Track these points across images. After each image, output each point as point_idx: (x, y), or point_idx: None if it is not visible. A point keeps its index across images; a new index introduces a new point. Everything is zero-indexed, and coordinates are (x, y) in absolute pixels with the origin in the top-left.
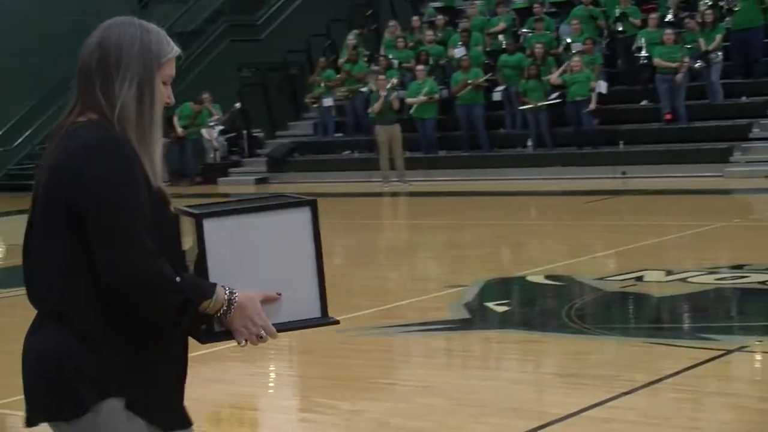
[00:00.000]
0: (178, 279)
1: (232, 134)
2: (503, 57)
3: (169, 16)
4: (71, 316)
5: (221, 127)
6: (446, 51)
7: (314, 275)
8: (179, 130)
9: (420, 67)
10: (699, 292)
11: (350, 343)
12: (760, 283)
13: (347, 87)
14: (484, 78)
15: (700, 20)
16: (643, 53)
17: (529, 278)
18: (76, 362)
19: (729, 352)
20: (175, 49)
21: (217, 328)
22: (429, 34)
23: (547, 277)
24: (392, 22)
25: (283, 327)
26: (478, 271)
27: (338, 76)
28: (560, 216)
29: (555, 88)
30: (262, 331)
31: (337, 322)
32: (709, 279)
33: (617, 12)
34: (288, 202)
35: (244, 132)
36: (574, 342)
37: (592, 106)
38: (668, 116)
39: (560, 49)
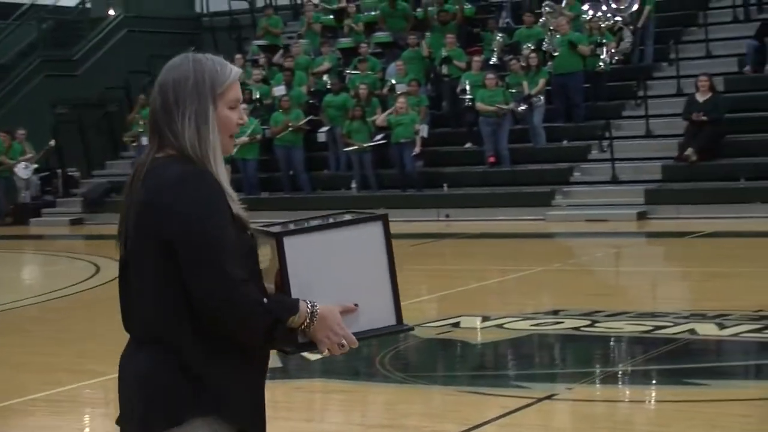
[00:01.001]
0: (265, 300)
1: (46, 173)
2: (328, 97)
3: None
4: (166, 340)
5: (34, 166)
6: (270, 90)
7: (388, 285)
8: None
9: (243, 106)
10: (514, 339)
11: None
12: (574, 329)
13: None
14: (304, 120)
15: (524, 64)
16: (467, 96)
17: None
18: (171, 382)
19: (539, 400)
20: (234, 72)
21: (301, 340)
22: (256, 73)
23: None
24: None
25: (362, 335)
26: None
27: None
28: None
29: (379, 129)
30: (344, 340)
31: (411, 329)
32: (525, 325)
33: (443, 54)
34: (361, 217)
35: (59, 171)
36: (385, 391)
37: (417, 149)
38: (491, 159)
39: (385, 90)
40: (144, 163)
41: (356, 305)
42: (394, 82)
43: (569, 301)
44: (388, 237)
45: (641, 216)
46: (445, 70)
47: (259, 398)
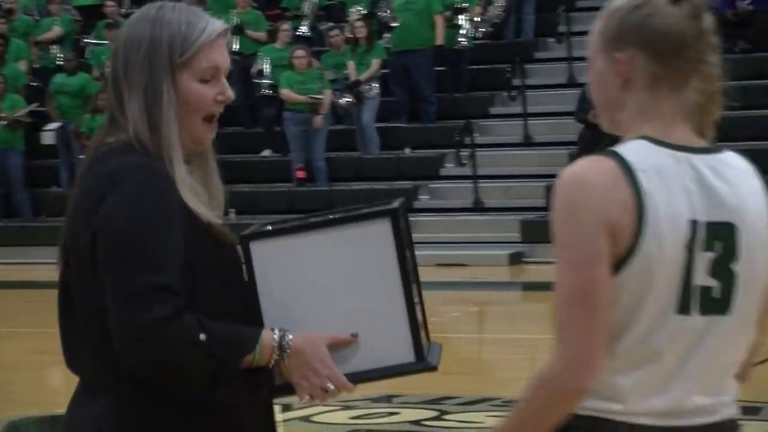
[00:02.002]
0: (202, 337)
1: None
2: (58, 78)
3: None
4: (107, 389)
5: None
6: None
7: (402, 306)
8: None
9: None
10: None
11: None
12: (413, 422)
13: None
14: (24, 111)
15: (350, 35)
16: (266, 80)
17: None
18: None
19: None
20: (208, 31)
21: (278, 381)
22: None
23: None
24: None
25: (362, 376)
26: None
27: None
28: None
29: None
30: (329, 383)
31: (435, 368)
32: (343, 417)
33: (233, 20)
34: (360, 213)
35: None
36: None
37: None
38: (300, 174)
39: None
40: (90, 150)
41: (354, 335)
42: None
43: (408, 382)
44: (400, 239)
45: (515, 258)
46: (235, 43)
47: None
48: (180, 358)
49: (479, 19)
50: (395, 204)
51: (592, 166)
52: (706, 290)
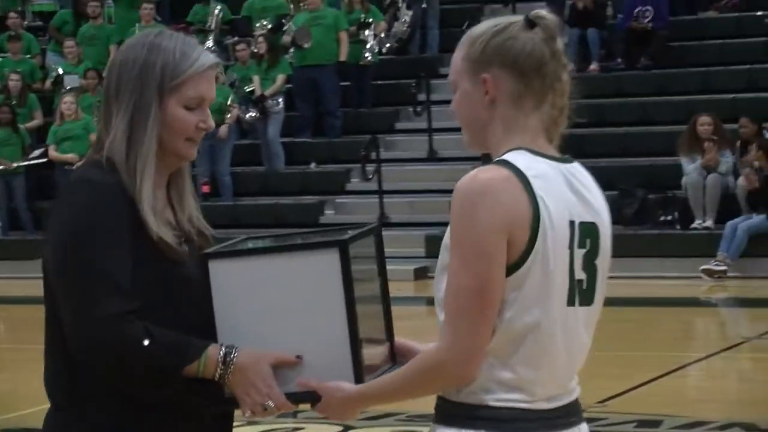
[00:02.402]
0: (146, 342)
1: None
2: None
3: None
4: (71, 407)
5: None
6: None
7: (345, 333)
8: None
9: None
10: None
11: None
12: None
13: None
14: None
15: (255, 50)
16: None
17: None
18: None
19: None
20: (200, 63)
21: (226, 393)
22: None
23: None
24: None
25: (301, 397)
26: None
27: None
28: (40, 335)
29: (40, 142)
30: (269, 401)
31: None
32: None
33: (135, 32)
34: (313, 242)
35: None
36: None
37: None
38: (205, 188)
39: (48, 83)
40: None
41: (298, 356)
42: (61, 71)
43: None
44: (348, 270)
45: (420, 273)
46: None
47: None
48: (123, 355)
49: (384, 35)
50: (342, 239)
51: (489, 173)
52: (580, 283)
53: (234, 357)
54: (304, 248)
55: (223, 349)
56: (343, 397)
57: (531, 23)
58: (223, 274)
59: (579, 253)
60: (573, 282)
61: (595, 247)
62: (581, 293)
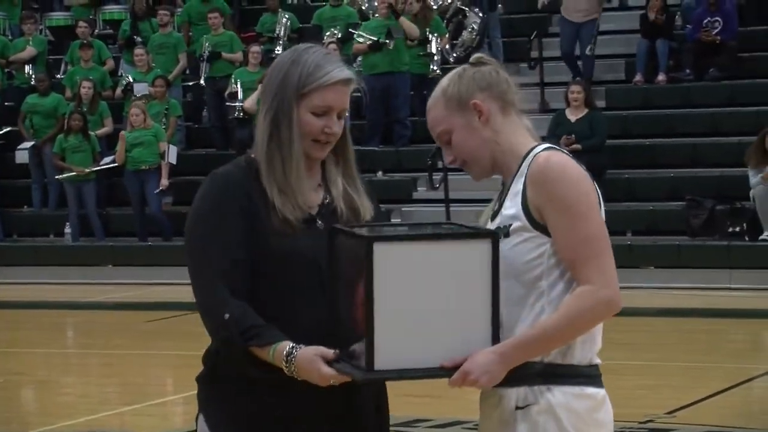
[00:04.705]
0: (226, 316)
1: None
2: (31, 98)
3: None
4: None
5: None
6: None
7: (488, 316)
8: None
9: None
10: None
11: None
12: None
13: None
14: None
15: None
16: (239, 103)
17: None
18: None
19: None
20: (329, 77)
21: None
22: None
23: None
24: None
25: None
26: None
27: None
28: (111, 340)
29: (111, 148)
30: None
31: None
32: None
33: (207, 45)
34: (467, 232)
35: None
36: None
37: (164, 180)
38: None
39: (118, 91)
40: None
41: (336, 352)
42: (132, 79)
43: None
44: (497, 258)
45: None
46: (206, 67)
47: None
48: (208, 323)
49: (448, 46)
50: (495, 230)
51: (557, 155)
52: None
53: (294, 357)
54: (460, 237)
55: (287, 348)
56: (494, 351)
57: (481, 62)
58: (387, 257)
59: None
60: None
61: None
62: None
